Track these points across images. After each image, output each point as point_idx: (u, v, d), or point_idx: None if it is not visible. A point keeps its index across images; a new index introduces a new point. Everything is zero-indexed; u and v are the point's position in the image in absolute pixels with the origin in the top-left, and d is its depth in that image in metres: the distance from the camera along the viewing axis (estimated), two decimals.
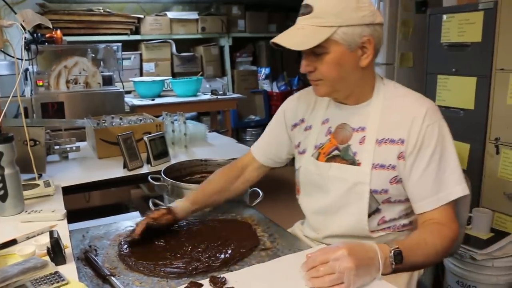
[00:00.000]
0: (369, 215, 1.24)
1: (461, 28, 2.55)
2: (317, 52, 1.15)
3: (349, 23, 1.12)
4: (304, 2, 1.17)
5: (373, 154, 1.20)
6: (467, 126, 2.56)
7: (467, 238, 2.23)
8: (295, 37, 1.15)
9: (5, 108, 1.58)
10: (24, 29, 1.57)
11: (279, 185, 2.75)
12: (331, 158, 1.27)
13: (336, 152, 1.27)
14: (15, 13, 1.67)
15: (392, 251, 1.05)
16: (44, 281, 0.95)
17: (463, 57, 2.57)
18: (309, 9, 1.14)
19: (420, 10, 3.10)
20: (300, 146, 1.38)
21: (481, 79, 2.47)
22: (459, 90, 2.60)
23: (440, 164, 1.17)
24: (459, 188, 1.17)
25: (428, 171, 1.17)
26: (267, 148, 1.48)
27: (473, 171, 2.54)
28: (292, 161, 1.47)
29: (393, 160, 1.19)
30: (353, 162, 1.23)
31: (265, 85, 5.10)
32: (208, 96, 4.06)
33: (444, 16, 2.67)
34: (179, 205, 1.39)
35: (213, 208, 1.52)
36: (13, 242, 1.17)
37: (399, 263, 1.05)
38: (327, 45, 1.13)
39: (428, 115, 1.17)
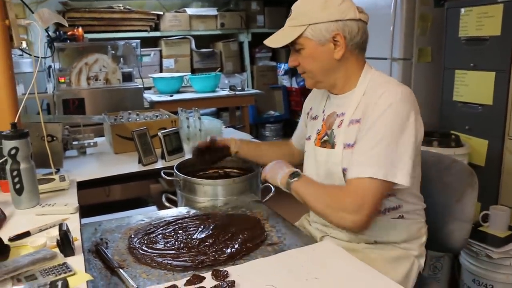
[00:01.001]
0: None
1: (479, 22, 2.50)
2: (296, 48, 1.34)
3: (317, 21, 1.28)
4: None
5: (344, 135, 1.31)
6: (486, 122, 2.52)
7: (483, 236, 2.19)
8: (277, 37, 1.36)
9: (22, 105, 1.62)
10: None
11: None
12: (323, 143, 1.40)
13: (326, 137, 1.39)
14: (32, 12, 1.72)
15: (294, 169, 1.35)
16: (52, 271, 0.99)
17: (482, 52, 2.52)
18: (290, 14, 1.35)
19: (439, 4, 3.03)
20: (307, 133, 1.53)
21: (499, 74, 2.41)
22: (477, 85, 2.55)
23: (373, 140, 1.21)
24: (379, 170, 1.19)
25: (360, 142, 1.24)
26: (299, 134, 1.67)
27: (492, 168, 2.50)
28: None
29: (355, 138, 1.28)
30: (333, 145, 1.35)
31: (285, 81, 5.08)
32: (226, 92, 4.08)
33: (462, 10, 2.62)
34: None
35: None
36: (27, 234, 1.22)
37: (293, 178, 1.32)
38: (302, 42, 1.31)
39: (384, 96, 1.24)
